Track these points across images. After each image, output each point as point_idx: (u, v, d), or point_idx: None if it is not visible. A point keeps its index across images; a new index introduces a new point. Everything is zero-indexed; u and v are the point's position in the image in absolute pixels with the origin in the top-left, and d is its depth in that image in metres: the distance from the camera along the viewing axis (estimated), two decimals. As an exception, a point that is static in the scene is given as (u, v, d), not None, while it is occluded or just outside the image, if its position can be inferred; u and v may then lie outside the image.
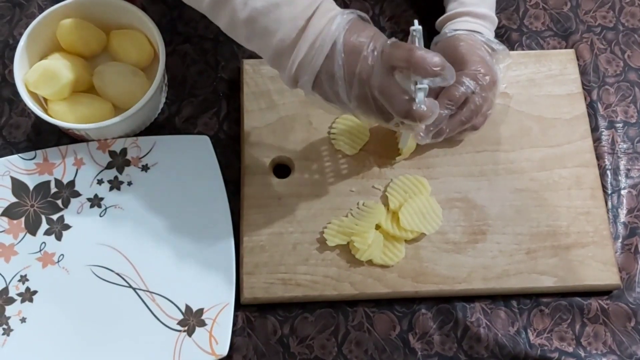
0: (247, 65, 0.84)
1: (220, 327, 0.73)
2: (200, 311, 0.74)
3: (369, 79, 0.61)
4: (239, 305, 0.75)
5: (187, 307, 0.74)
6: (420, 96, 0.61)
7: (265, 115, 0.82)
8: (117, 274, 0.76)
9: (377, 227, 0.77)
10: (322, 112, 0.71)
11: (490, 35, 0.80)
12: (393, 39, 0.62)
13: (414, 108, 0.61)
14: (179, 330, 0.73)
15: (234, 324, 0.74)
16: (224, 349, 0.72)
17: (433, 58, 0.60)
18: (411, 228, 0.76)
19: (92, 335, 0.74)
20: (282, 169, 0.81)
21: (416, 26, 0.64)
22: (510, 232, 0.78)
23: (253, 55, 0.85)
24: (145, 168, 0.79)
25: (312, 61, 0.61)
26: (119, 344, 0.73)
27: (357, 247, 0.75)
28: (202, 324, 0.73)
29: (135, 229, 0.77)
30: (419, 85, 0.61)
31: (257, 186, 0.79)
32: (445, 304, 0.77)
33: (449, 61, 0.64)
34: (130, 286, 0.75)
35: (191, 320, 0.74)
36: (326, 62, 0.61)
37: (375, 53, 0.61)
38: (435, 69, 0.60)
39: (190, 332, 0.73)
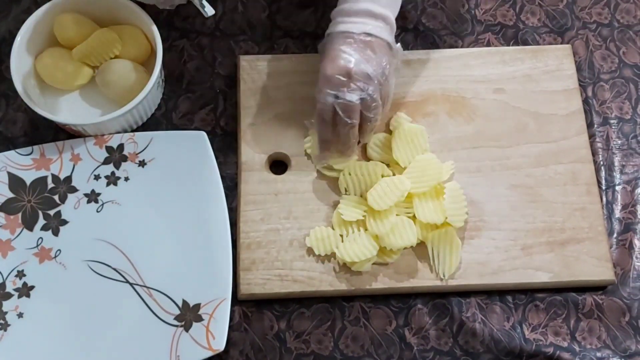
0: (244, 61, 0.84)
1: (217, 322, 0.73)
2: (197, 306, 0.74)
3: None
4: (235, 300, 0.75)
5: (184, 302, 0.74)
6: None
7: (262, 112, 0.82)
8: (114, 269, 0.76)
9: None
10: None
11: (381, 32, 0.73)
12: None
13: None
14: (176, 325, 0.74)
15: (231, 319, 0.74)
16: (220, 344, 0.72)
17: None
18: (397, 247, 0.75)
19: (89, 330, 0.74)
20: (279, 165, 0.81)
21: None
22: (505, 228, 0.78)
23: (250, 52, 0.86)
24: (142, 164, 0.79)
25: None
26: (116, 339, 0.73)
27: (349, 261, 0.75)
28: (199, 319, 0.74)
29: (132, 225, 0.77)
30: None
31: (253, 182, 0.79)
32: (441, 299, 0.77)
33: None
34: (127, 281, 0.75)
35: (188, 315, 0.74)
36: None
37: None
38: None
39: (187, 327, 0.73)
